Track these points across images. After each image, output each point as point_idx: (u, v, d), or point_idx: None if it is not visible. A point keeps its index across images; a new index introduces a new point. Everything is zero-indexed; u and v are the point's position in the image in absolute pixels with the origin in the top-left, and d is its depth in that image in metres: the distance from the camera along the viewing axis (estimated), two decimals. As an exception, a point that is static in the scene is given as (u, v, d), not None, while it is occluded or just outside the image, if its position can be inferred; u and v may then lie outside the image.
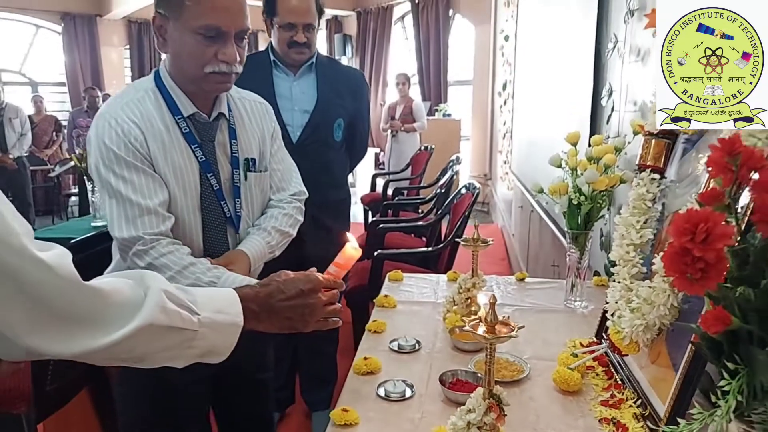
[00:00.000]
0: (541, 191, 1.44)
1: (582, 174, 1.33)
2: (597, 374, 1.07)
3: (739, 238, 0.59)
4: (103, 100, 5.99)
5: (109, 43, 8.28)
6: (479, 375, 1.01)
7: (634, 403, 0.96)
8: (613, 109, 1.65)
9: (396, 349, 1.18)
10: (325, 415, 2.25)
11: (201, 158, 1.15)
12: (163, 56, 1.16)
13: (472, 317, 0.82)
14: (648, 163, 1.10)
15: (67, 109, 7.91)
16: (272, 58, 1.87)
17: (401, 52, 8.20)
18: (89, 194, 2.26)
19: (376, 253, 2.33)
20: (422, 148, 5.17)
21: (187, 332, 0.74)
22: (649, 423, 0.88)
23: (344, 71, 2.10)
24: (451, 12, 7.17)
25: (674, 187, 1.07)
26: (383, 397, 1.00)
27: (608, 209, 1.44)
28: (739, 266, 0.57)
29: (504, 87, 5.00)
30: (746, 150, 0.53)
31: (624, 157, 1.36)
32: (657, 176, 1.08)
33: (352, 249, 0.94)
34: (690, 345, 0.80)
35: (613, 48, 1.64)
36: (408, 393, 1.00)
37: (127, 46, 8.48)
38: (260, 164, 1.25)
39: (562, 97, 2.43)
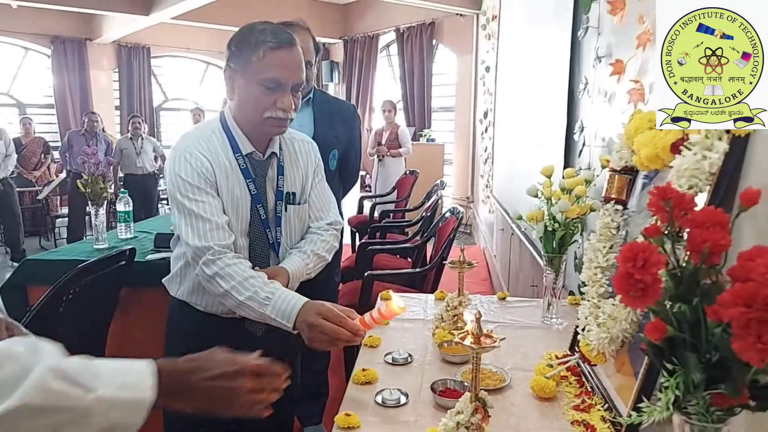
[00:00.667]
0: (520, 218, 1.58)
1: (556, 203, 1.48)
2: (570, 383, 1.19)
3: (684, 264, 0.73)
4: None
5: (99, 66, 8.36)
6: (466, 383, 1.13)
7: (602, 407, 1.07)
8: (584, 144, 1.81)
9: (390, 361, 1.29)
10: (316, 430, 2.34)
11: (253, 191, 1.31)
12: (227, 102, 1.33)
13: (461, 331, 0.94)
14: (612, 196, 1.24)
15: (55, 130, 7.94)
16: None
17: (386, 78, 8.43)
18: (92, 218, 2.35)
19: (366, 274, 2.45)
20: (407, 172, 5.34)
21: (78, 409, 0.71)
22: (611, 418, 1.01)
23: (337, 104, 2.24)
24: (434, 42, 7.43)
25: (635, 217, 1.21)
26: (380, 403, 1.10)
27: (581, 234, 1.58)
28: (676, 286, 0.71)
29: (485, 115, 5.20)
30: (677, 195, 0.67)
31: (594, 188, 1.51)
32: (620, 207, 1.21)
33: (397, 306, 1.02)
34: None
35: (584, 89, 1.81)
36: (403, 400, 1.11)
37: (116, 69, 8.58)
38: (300, 198, 1.41)
39: (539, 129, 2.60)
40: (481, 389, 0.93)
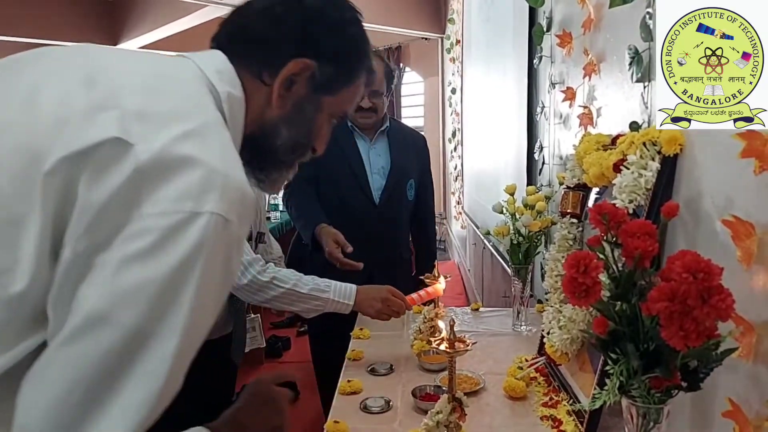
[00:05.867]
0: (488, 233, 1.71)
1: (520, 218, 1.60)
2: (539, 383, 1.30)
3: (622, 268, 0.84)
4: None
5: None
6: (444, 388, 1.22)
7: (568, 402, 1.19)
8: (543, 163, 1.95)
9: (373, 372, 1.39)
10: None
11: None
12: None
13: (437, 338, 1.05)
14: (568, 210, 1.37)
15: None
16: (350, 124, 2.00)
17: (356, 100, 8.60)
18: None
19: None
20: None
21: None
22: (574, 409, 1.12)
23: (411, 133, 2.24)
24: (401, 64, 7.63)
25: (589, 229, 1.35)
26: (366, 410, 1.20)
27: (545, 246, 1.71)
28: (616, 287, 0.83)
29: (453, 134, 5.38)
30: (612, 209, 0.80)
31: (554, 203, 1.64)
32: (575, 221, 1.35)
33: (441, 288, 1.46)
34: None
35: (541, 112, 1.96)
36: (386, 406, 1.21)
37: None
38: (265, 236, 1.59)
39: (503, 149, 2.75)
40: (457, 390, 1.03)
